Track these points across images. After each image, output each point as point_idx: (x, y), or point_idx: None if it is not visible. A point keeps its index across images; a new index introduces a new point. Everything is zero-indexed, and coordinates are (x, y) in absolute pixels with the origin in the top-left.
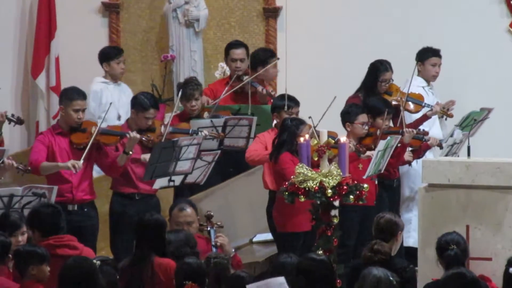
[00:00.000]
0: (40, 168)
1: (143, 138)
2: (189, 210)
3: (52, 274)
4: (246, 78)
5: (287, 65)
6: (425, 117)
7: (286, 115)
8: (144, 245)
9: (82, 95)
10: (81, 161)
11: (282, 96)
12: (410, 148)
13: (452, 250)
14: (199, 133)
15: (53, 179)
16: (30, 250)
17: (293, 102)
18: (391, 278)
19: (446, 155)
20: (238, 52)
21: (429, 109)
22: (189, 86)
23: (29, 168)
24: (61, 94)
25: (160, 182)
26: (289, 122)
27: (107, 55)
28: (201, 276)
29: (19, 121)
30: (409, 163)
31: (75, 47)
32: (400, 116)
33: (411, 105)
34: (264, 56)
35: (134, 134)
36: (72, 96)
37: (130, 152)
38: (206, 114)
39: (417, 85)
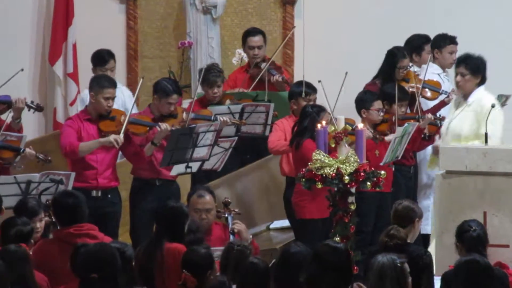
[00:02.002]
0: (79, 150)
1: (172, 129)
2: (208, 197)
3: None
4: (264, 65)
5: (304, 52)
6: (443, 104)
7: (303, 102)
8: (161, 231)
9: (113, 83)
10: (121, 135)
11: (300, 83)
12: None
13: (474, 231)
14: (219, 119)
15: (78, 166)
16: None
17: (311, 88)
18: (397, 261)
19: None
20: (256, 40)
21: (446, 96)
22: (212, 73)
23: (49, 158)
24: (91, 81)
25: (177, 169)
26: (309, 109)
27: (93, 61)
28: (200, 267)
29: (39, 108)
30: (426, 135)
31: (92, 33)
32: (416, 103)
33: (428, 92)
34: (419, 42)
35: (165, 126)
36: (103, 83)
37: (158, 144)
38: (228, 102)
39: (433, 72)
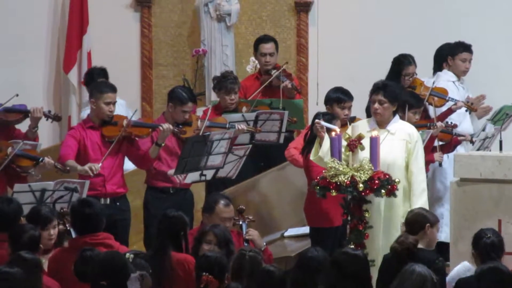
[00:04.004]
0: (65, 165)
1: (175, 129)
2: (232, 205)
3: None
4: (274, 72)
5: (319, 59)
6: (450, 111)
7: (338, 109)
8: (166, 241)
9: (112, 88)
10: (100, 164)
11: (337, 89)
12: (440, 143)
13: (488, 239)
14: (236, 126)
15: None
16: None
17: (346, 95)
18: (435, 279)
19: (478, 150)
20: (267, 47)
21: (453, 103)
22: (229, 80)
23: (68, 168)
24: (91, 88)
25: (192, 177)
26: (321, 117)
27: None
28: (220, 269)
29: (56, 118)
30: (439, 163)
31: (107, 41)
32: (427, 110)
33: (435, 99)
34: (453, 51)
35: (167, 125)
36: (102, 89)
37: (162, 144)
38: (244, 109)
39: (447, 80)
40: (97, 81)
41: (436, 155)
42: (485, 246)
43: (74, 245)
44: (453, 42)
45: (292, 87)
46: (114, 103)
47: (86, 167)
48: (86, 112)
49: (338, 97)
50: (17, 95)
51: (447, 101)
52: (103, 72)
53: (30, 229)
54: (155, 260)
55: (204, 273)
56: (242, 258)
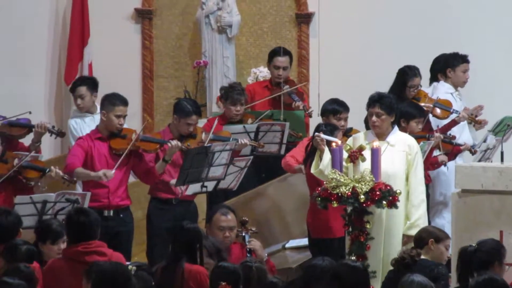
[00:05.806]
0: (74, 173)
1: (183, 147)
2: (231, 215)
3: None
4: (285, 87)
5: (320, 70)
6: (454, 123)
7: (334, 120)
8: (180, 252)
9: (124, 102)
10: (113, 171)
11: (333, 101)
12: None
13: (471, 247)
14: (239, 141)
15: (90, 184)
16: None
17: (342, 107)
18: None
19: (479, 161)
20: (282, 60)
21: (457, 115)
22: (236, 91)
23: (75, 178)
24: (103, 99)
25: (193, 188)
26: (322, 128)
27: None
28: (236, 279)
29: (60, 134)
30: (444, 163)
31: (108, 53)
32: (429, 122)
33: (439, 111)
34: (452, 62)
35: (175, 142)
36: (114, 101)
37: (169, 161)
38: (250, 121)
39: (445, 91)
40: (110, 93)
41: (440, 157)
42: (464, 253)
43: (67, 254)
44: (450, 53)
45: (303, 109)
46: (124, 116)
47: (100, 173)
48: (72, 120)
49: (334, 109)
50: (30, 112)
51: (451, 113)
52: (91, 81)
53: (26, 243)
54: (168, 271)
55: (220, 282)
56: (249, 270)
